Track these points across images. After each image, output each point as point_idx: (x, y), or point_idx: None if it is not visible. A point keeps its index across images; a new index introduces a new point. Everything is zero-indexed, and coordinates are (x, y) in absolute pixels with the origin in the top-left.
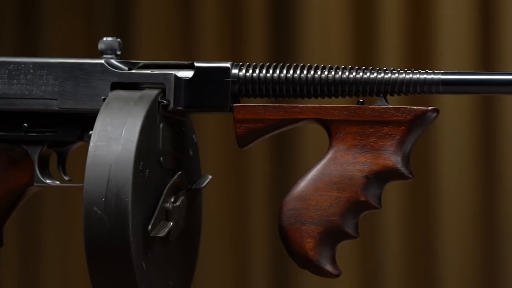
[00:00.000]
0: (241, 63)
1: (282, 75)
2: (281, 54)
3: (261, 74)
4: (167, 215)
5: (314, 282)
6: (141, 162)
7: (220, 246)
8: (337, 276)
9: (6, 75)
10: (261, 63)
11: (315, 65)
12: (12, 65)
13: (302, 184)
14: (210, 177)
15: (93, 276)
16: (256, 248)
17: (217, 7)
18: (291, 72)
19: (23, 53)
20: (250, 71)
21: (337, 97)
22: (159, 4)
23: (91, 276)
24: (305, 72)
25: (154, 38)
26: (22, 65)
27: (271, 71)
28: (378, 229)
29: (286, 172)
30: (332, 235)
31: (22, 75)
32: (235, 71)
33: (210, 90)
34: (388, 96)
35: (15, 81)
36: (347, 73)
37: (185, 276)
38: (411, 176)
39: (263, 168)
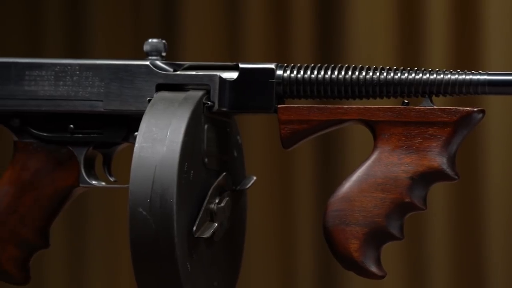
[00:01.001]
0: (285, 64)
1: (326, 76)
2: (326, 55)
3: (306, 75)
4: (211, 216)
5: (359, 284)
6: (186, 163)
7: (265, 247)
8: (382, 277)
9: (52, 77)
10: (305, 64)
11: (360, 66)
12: (58, 67)
13: (347, 185)
14: (254, 178)
15: (138, 276)
16: (301, 249)
17: (262, 7)
18: (336, 73)
19: (70, 54)
20: (295, 72)
21: (382, 98)
22: (205, 5)
23: (136, 277)
24: (349, 73)
25: (200, 39)
26: (68, 67)
27: (315, 72)
28: (424, 231)
29: (330, 172)
30: (376, 236)
31: (68, 77)
32: (279, 72)
33: (255, 91)
34: (434, 97)
35: (61, 82)
36: (392, 74)
37: (230, 277)
38: (456, 177)
39: (308, 169)
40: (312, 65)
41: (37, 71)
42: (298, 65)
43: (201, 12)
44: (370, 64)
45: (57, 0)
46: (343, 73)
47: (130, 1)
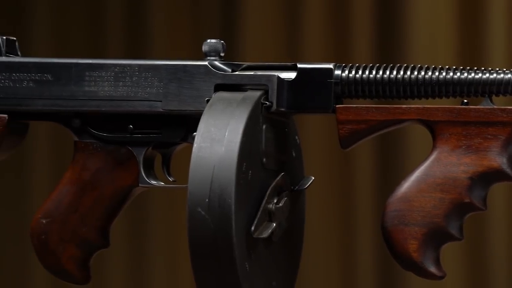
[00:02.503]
0: (343, 64)
1: (385, 76)
2: (386, 54)
3: (364, 75)
4: (270, 216)
5: (419, 284)
6: (244, 163)
7: (325, 247)
8: (441, 278)
9: (112, 78)
10: (364, 64)
11: (419, 65)
12: (118, 68)
13: (406, 185)
14: (313, 178)
15: (197, 276)
16: (360, 249)
17: (322, 7)
18: (395, 73)
19: (130, 54)
20: (353, 72)
21: (441, 98)
22: (265, 5)
23: (195, 276)
24: (408, 72)
25: (259, 39)
26: (128, 68)
27: (374, 72)
28: (484, 231)
29: (389, 172)
30: (436, 237)
31: (127, 77)
32: (338, 72)
33: (313, 91)
34: (493, 97)
35: (121, 83)
36: (451, 74)
37: (288, 277)
38: None
39: (367, 168)
40: (371, 65)
41: (97, 72)
42: (357, 65)
43: (261, 12)
44: (429, 64)
45: (118, 0)
46: (401, 73)
47: (190, 2)
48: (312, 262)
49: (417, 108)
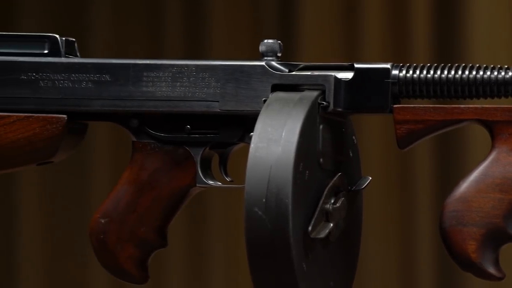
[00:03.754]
0: (401, 64)
1: (443, 75)
2: (444, 54)
3: (422, 75)
4: (327, 216)
5: (478, 285)
6: (301, 164)
7: (382, 247)
8: (501, 279)
9: (169, 78)
10: (421, 64)
11: (477, 65)
12: (175, 68)
13: (464, 186)
14: (370, 178)
15: (254, 275)
16: (419, 249)
17: (380, 7)
18: (453, 72)
19: (189, 54)
20: (411, 72)
21: (500, 97)
22: (323, 6)
23: (252, 276)
24: (467, 72)
25: (317, 39)
26: (185, 68)
27: (432, 72)
28: None
29: (448, 173)
30: (494, 237)
31: (185, 78)
32: (395, 72)
33: (370, 91)
34: None
35: (178, 83)
36: (510, 73)
37: (346, 277)
38: None
39: (425, 168)
40: (428, 64)
41: (154, 72)
42: (414, 64)
43: (319, 12)
44: (488, 63)
45: (177, 1)
46: (460, 72)
47: (248, 2)
48: (370, 262)
49: (476, 108)
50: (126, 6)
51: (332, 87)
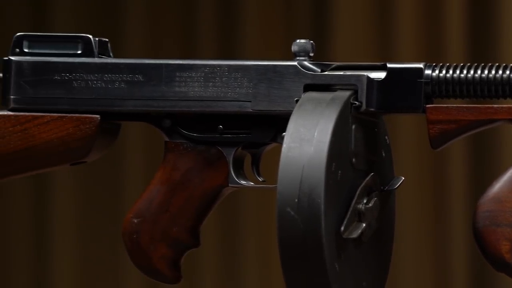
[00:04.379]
0: (434, 64)
1: (476, 75)
2: (478, 54)
3: (455, 75)
4: (359, 216)
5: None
6: (334, 164)
7: (415, 248)
8: None
9: (202, 78)
10: (454, 64)
11: (511, 64)
12: (208, 68)
13: (497, 186)
14: (403, 178)
15: (287, 275)
16: (452, 250)
17: (414, 7)
18: (486, 72)
19: (222, 54)
20: (444, 71)
21: None
22: (356, 5)
23: (285, 276)
24: (500, 72)
25: (350, 39)
26: (218, 68)
27: (465, 71)
28: None
29: (481, 173)
30: None
31: (217, 78)
32: (428, 71)
33: (403, 91)
34: None
35: (210, 83)
36: None
37: (378, 278)
38: None
39: (458, 168)
40: (462, 64)
41: (187, 72)
42: (447, 64)
43: (352, 12)
44: None
45: (211, 0)
46: (493, 72)
47: (282, 1)
48: (402, 262)
49: (509, 107)
50: (159, 6)
51: (365, 87)
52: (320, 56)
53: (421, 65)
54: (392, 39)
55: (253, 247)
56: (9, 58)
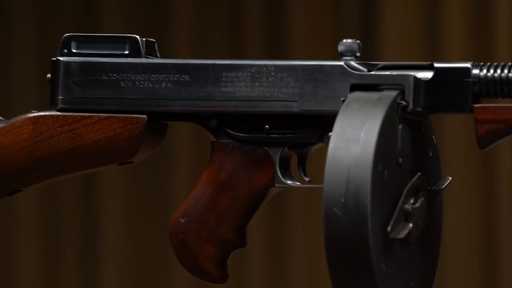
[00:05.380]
0: (482, 63)
1: None
2: None
3: (503, 74)
4: (406, 216)
5: None
6: (380, 164)
7: (464, 247)
8: None
9: (248, 78)
10: (502, 63)
11: None
12: (254, 68)
13: None
14: (450, 178)
15: (333, 275)
16: (502, 251)
17: (462, 8)
18: None
19: (270, 54)
20: (491, 71)
21: None
22: (405, 5)
23: (331, 276)
24: None
25: (398, 39)
26: (264, 68)
27: None
28: None
29: None
30: None
31: (264, 78)
32: (475, 71)
33: (450, 90)
34: None
35: (257, 83)
36: None
37: (426, 278)
38: None
39: (506, 168)
40: (510, 63)
41: (233, 72)
42: (495, 64)
43: (400, 12)
44: None
45: (258, 1)
46: None
47: (330, 2)
48: (450, 263)
49: None
50: (206, 6)
51: (412, 87)
52: (367, 55)
53: (468, 65)
54: (439, 38)
55: (300, 246)
56: (57, 59)
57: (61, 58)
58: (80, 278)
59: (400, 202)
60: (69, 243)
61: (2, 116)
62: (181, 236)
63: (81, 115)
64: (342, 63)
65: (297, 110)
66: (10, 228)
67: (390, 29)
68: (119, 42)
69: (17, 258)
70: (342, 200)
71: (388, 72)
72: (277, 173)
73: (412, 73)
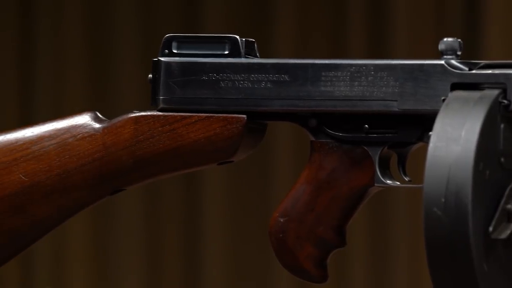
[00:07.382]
0: None
1: None
2: None
3: None
4: (509, 217)
5: None
6: (481, 163)
7: None
8: None
9: (348, 77)
10: None
11: None
12: (353, 68)
13: None
14: None
15: (434, 275)
16: None
17: None
18: None
19: (372, 54)
20: None
21: None
22: (509, 2)
23: (431, 276)
24: None
25: (502, 37)
26: (363, 67)
27: None
28: None
29: None
30: None
31: (363, 77)
32: None
33: None
34: None
35: (356, 83)
36: None
37: None
38: None
39: None
40: None
41: (333, 72)
42: None
43: (504, 9)
44: None
45: (360, 1)
46: None
47: (434, 1)
48: None
49: None
50: (308, 5)
51: None
52: (471, 53)
53: None
54: None
55: (400, 246)
56: (158, 59)
57: (162, 59)
58: (182, 279)
59: (502, 202)
60: (171, 243)
61: (104, 117)
62: (281, 235)
63: (182, 115)
64: (442, 62)
65: (397, 110)
66: (112, 224)
67: (494, 27)
68: (219, 42)
69: (121, 248)
70: (443, 199)
71: (489, 71)
72: (377, 173)
73: None
